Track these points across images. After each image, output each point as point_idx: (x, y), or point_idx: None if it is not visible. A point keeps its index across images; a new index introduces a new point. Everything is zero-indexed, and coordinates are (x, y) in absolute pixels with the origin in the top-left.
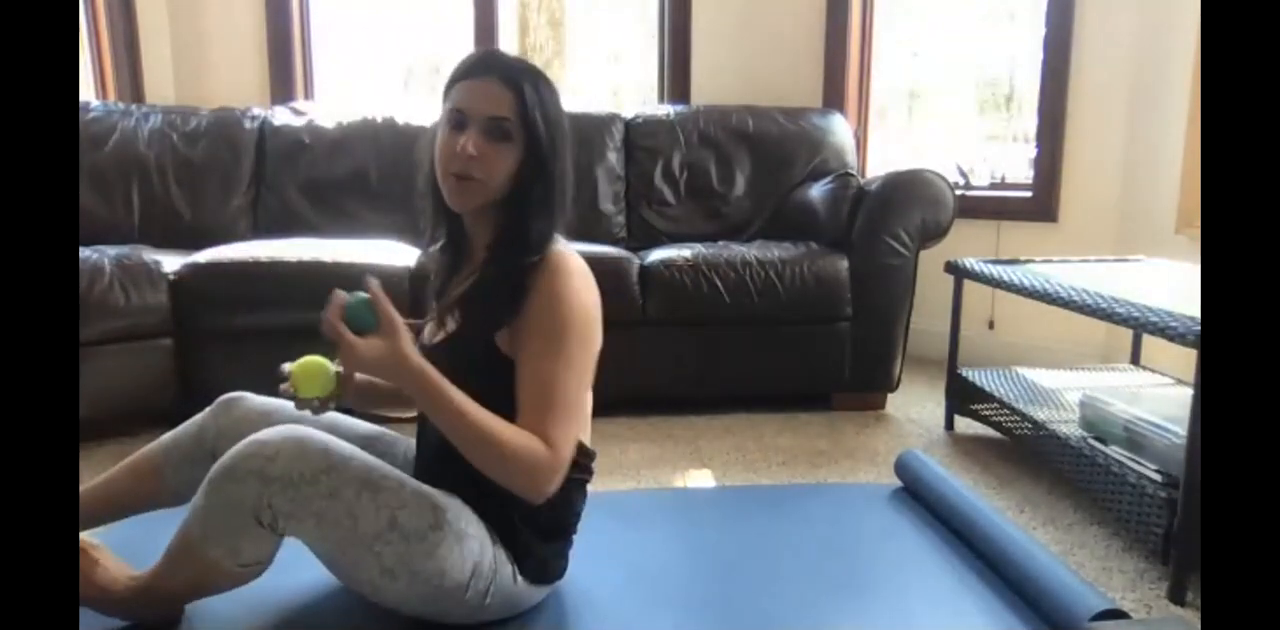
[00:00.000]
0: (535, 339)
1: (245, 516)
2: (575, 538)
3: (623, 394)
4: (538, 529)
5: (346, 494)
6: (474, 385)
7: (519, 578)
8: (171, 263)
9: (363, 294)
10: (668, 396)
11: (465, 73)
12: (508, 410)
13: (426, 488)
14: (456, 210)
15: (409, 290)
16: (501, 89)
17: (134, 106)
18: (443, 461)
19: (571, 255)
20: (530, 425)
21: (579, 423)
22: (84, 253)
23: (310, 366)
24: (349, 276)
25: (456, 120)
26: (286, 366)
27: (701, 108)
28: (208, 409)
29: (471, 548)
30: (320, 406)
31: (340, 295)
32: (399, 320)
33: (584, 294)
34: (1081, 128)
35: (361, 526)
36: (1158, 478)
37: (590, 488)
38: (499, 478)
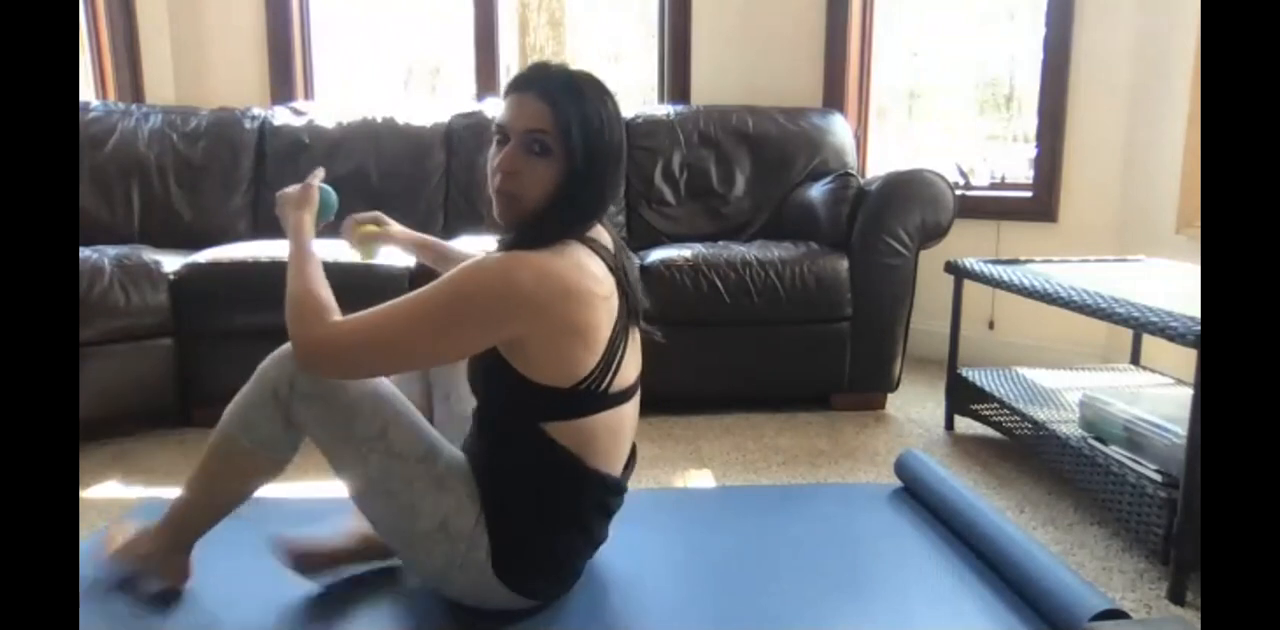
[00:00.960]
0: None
1: (266, 390)
2: (571, 571)
3: None
4: (528, 548)
5: (354, 392)
6: (483, 387)
7: (491, 573)
8: (171, 263)
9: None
10: (668, 396)
11: (510, 88)
12: (504, 414)
13: (434, 434)
14: (501, 222)
15: (409, 289)
16: (539, 104)
17: (134, 106)
18: (477, 462)
19: (527, 260)
20: (359, 314)
21: (385, 350)
22: (84, 253)
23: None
24: (349, 276)
25: (500, 135)
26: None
27: (701, 108)
28: None
29: (448, 502)
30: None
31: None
32: (314, 198)
33: (497, 284)
34: (1081, 128)
35: (357, 426)
36: (1158, 478)
37: None
38: (292, 321)
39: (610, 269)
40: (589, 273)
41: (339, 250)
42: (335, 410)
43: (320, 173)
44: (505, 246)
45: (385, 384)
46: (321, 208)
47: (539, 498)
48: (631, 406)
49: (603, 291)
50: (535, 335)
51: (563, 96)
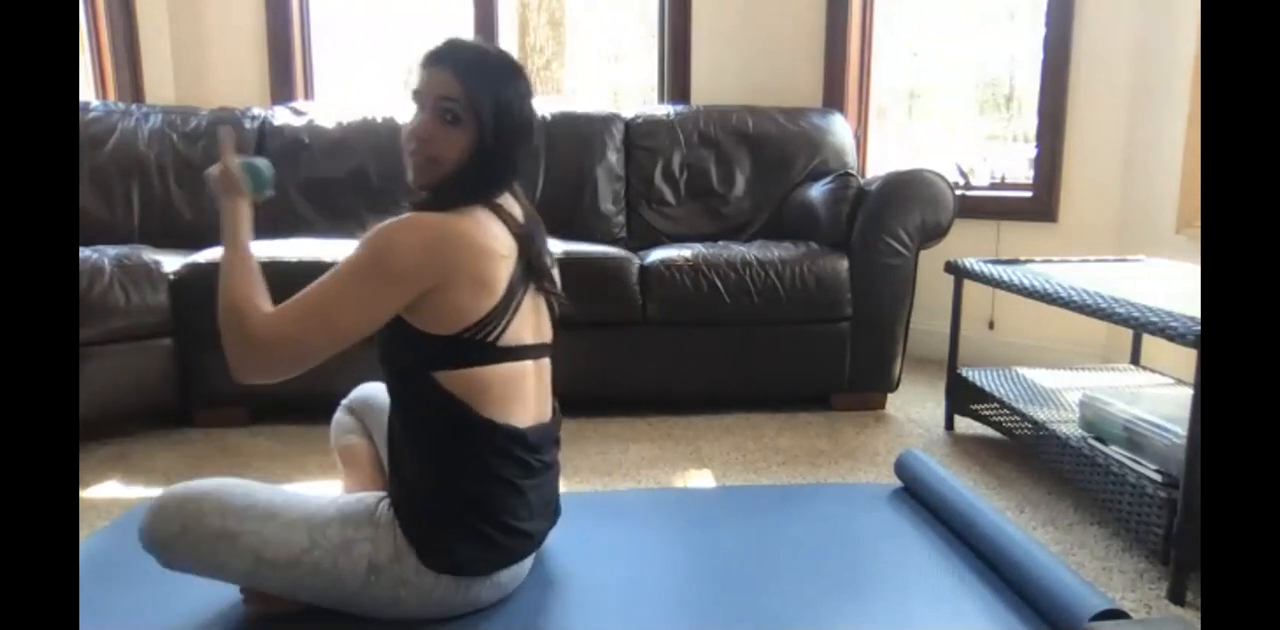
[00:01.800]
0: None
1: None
2: (504, 533)
3: (623, 394)
4: (442, 515)
5: (204, 549)
6: (385, 348)
7: (424, 568)
8: (171, 263)
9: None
10: (668, 396)
11: (425, 61)
12: (400, 370)
13: (308, 506)
14: (415, 186)
15: None
16: (452, 77)
17: (134, 106)
18: (391, 435)
19: (427, 219)
20: (279, 309)
21: (318, 335)
22: (84, 253)
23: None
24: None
25: (416, 101)
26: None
27: (701, 108)
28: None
29: (361, 550)
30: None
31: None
32: (235, 179)
33: (400, 245)
34: (1081, 128)
35: (233, 569)
36: (1158, 478)
37: (590, 487)
38: (222, 330)
39: (516, 236)
40: (489, 232)
41: (337, 249)
42: (204, 568)
43: (228, 140)
44: (415, 208)
45: (231, 510)
46: (254, 183)
47: (439, 454)
48: (535, 366)
49: (502, 250)
50: (440, 288)
51: (472, 70)
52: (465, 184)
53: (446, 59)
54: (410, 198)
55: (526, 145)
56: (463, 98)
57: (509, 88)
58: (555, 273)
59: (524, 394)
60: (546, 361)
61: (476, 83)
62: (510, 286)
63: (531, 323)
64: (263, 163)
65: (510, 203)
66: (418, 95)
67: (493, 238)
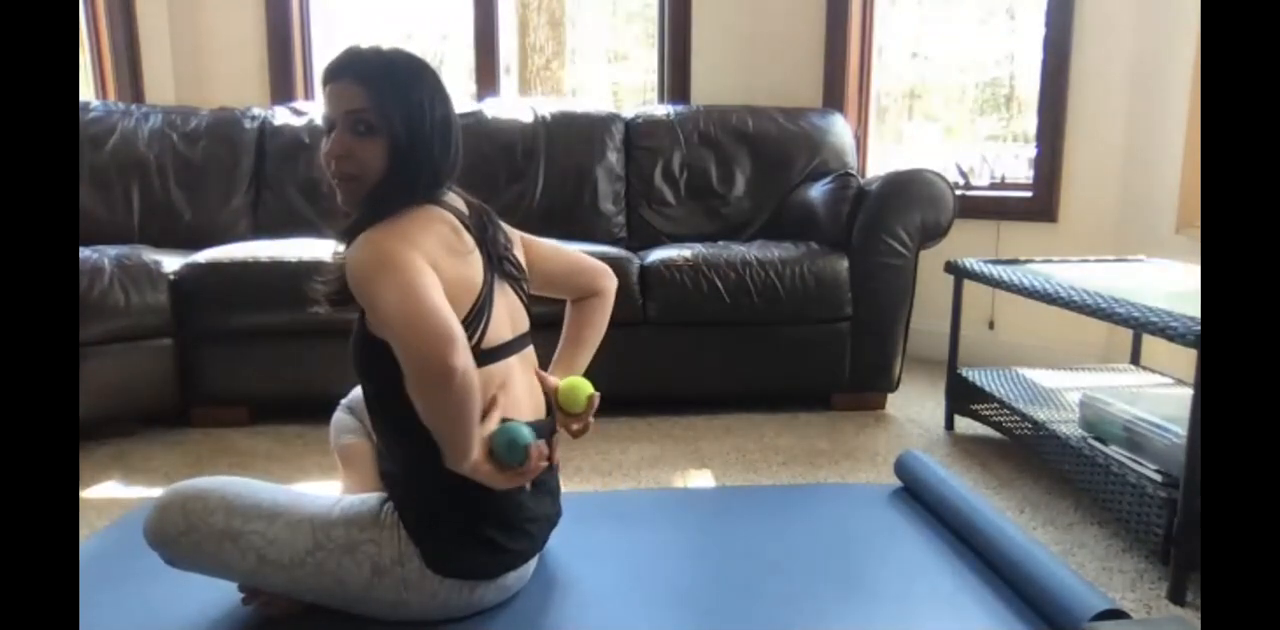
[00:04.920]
0: (386, 333)
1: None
2: (507, 536)
3: (623, 394)
4: (445, 519)
5: (209, 547)
6: (364, 366)
7: (427, 571)
8: (171, 263)
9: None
10: (668, 396)
11: (325, 78)
12: (383, 388)
13: (314, 505)
14: (346, 209)
15: None
16: (355, 87)
17: (134, 106)
18: (380, 444)
19: (377, 236)
20: (410, 382)
21: (435, 324)
22: (84, 253)
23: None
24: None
25: (327, 125)
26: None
27: (701, 108)
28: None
29: (365, 552)
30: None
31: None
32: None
33: (377, 280)
34: (1081, 128)
35: (236, 568)
36: (1158, 478)
37: (590, 487)
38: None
39: (466, 227)
40: (445, 228)
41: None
42: (209, 566)
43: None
44: (350, 228)
45: (236, 508)
46: (508, 453)
47: (435, 463)
48: (519, 360)
49: (462, 248)
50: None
51: (376, 75)
52: (392, 190)
53: (346, 70)
54: (337, 228)
55: (447, 141)
56: (371, 105)
57: (417, 86)
58: (520, 256)
59: (513, 392)
60: (529, 351)
61: (381, 87)
62: (483, 286)
63: (507, 317)
64: (524, 431)
65: (452, 198)
66: (328, 119)
67: (453, 234)
